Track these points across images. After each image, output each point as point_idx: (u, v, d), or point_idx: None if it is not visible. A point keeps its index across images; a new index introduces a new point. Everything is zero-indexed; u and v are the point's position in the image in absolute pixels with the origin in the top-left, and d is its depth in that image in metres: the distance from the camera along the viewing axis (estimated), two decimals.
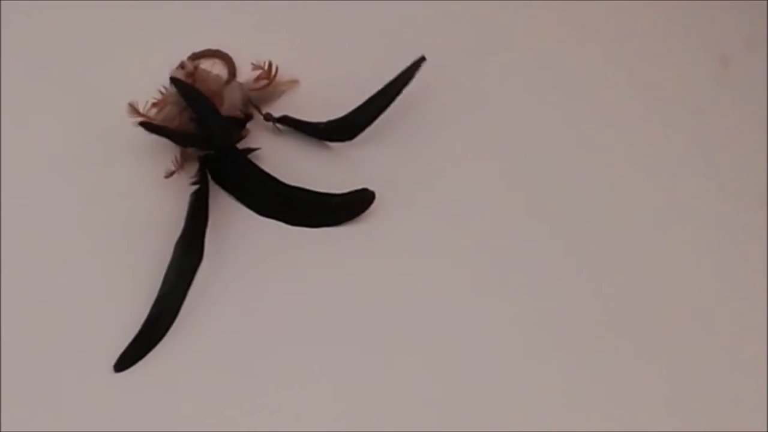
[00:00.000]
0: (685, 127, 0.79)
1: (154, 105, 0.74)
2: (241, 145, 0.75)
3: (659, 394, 0.67)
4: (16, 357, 0.67)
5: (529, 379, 0.67)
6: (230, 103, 0.75)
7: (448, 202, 0.74)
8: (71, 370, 0.67)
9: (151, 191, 0.74)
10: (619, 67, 0.81)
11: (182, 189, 0.73)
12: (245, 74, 0.78)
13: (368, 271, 0.71)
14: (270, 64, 0.77)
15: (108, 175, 0.75)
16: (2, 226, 0.72)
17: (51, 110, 0.78)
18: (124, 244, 0.72)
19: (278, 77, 0.77)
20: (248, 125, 0.76)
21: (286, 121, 0.77)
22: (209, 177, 0.74)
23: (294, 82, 0.79)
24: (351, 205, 0.73)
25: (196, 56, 0.79)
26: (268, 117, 0.77)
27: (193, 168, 0.74)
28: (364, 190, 0.73)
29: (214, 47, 0.80)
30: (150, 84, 0.75)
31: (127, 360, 0.67)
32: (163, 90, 0.75)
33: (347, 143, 0.76)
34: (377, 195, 0.73)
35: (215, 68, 0.78)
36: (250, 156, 0.75)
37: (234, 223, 0.73)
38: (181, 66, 0.76)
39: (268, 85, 0.77)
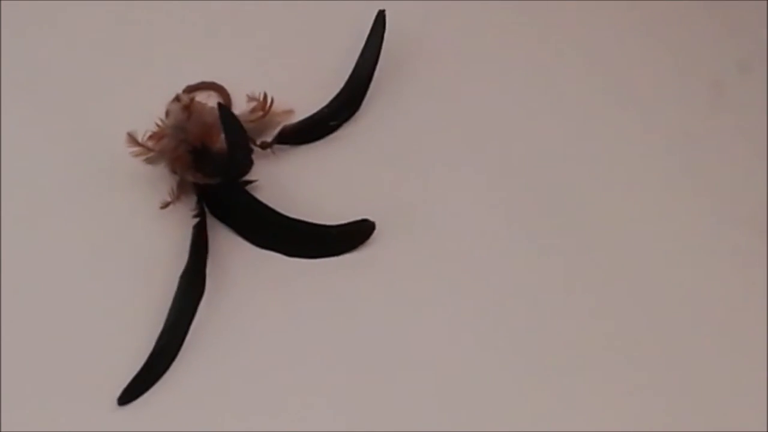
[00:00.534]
0: (678, 151, 0.79)
1: (150, 137, 0.74)
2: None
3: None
4: (21, 390, 0.66)
5: (531, 408, 0.67)
6: None
7: (449, 231, 0.74)
8: (75, 403, 0.66)
9: (148, 222, 0.74)
10: (614, 92, 0.82)
11: (179, 220, 0.73)
12: (241, 106, 0.78)
13: (368, 302, 0.71)
14: (265, 96, 0.77)
15: (104, 206, 0.75)
16: (2, 257, 0.72)
17: (47, 142, 0.78)
18: (122, 276, 0.71)
19: (273, 108, 0.77)
20: None
21: (283, 137, 0.77)
22: (206, 209, 0.74)
23: (289, 113, 0.79)
24: (351, 236, 0.73)
25: (191, 89, 0.79)
26: (264, 145, 0.77)
27: (190, 200, 0.74)
28: (364, 221, 0.73)
29: (209, 80, 0.80)
30: (145, 117, 0.74)
31: (131, 393, 0.67)
32: (160, 123, 0.74)
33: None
34: (377, 225, 0.73)
35: (210, 100, 0.78)
36: (248, 188, 0.75)
37: (232, 255, 0.72)
38: (177, 99, 0.75)
39: (263, 116, 0.77)
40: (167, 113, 0.75)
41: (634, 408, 0.67)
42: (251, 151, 0.75)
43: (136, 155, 0.73)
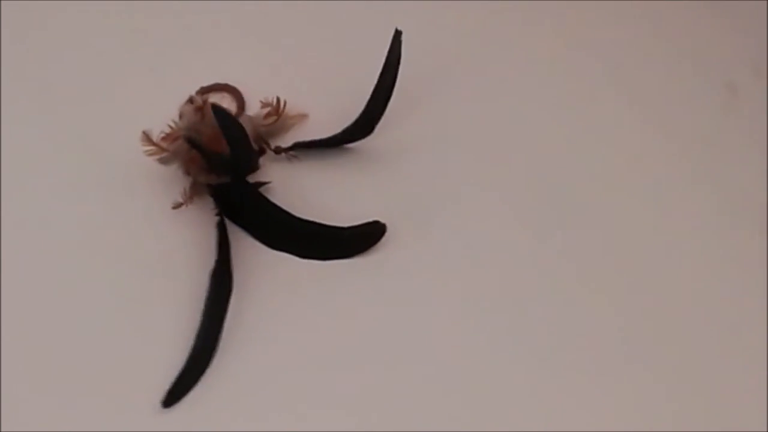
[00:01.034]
0: (692, 154, 0.79)
1: (163, 139, 0.74)
2: (251, 179, 0.75)
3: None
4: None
5: (541, 412, 0.67)
6: None
7: (461, 233, 0.74)
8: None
9: (161, 223, 0.74)
10: (627, 95, 0.82)
11: (191, 221, 0.73)
12: (254, 108, 0.78)
13: (379, 304, 0.71)
14: (278, 100, 0.77)
15: (117, 207, 0.75)
16: (15, 258, 0.72)
17: (61, 143, 0.78)
18: (136, 276, 0.72)
19: (287, 111, 0.77)
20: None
21: (298, 147, 0.77)
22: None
23: (303, 117, 0.79)
24: (363, 238, 0.73)
25: (204, 90, 0.79)
26: (278, 150, 0.77)
27: (203, 201, 0.74)
28: (376, 223, 0.73)
29: (222, 81, 0.80)
30: (159, 118, 0.74)
31: (175, 394, 0.67)
32: (173, 124, 0.74)
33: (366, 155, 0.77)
34: (388, 227, 0.73)
35: (224, 102, 0.78)
36: (261, 189, 0.75)
37: (245, 257, 0.72)
38: (190, 100, 0.75)
39: (277, 120, 0.77)
40: (180, 115, 0.75)
41: (634, 407, 0.67)
42: (251, 147, 0.74)
43: (150, 154, 0.74)
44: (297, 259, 0.73)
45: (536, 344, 0.70)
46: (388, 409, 0.67)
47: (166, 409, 0.66)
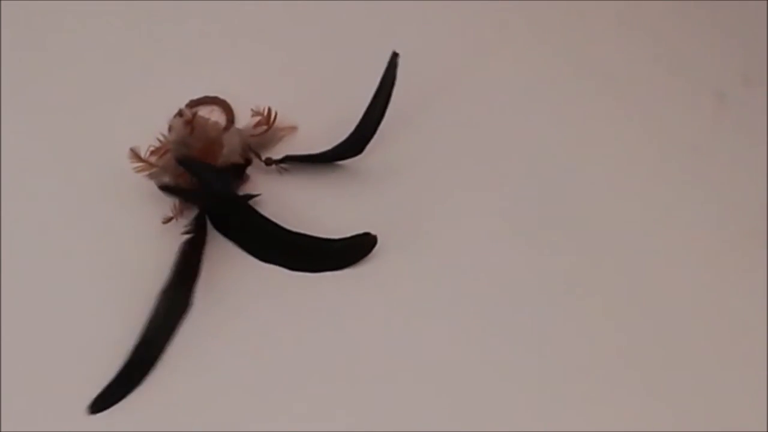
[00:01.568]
0: (682, 163, 0.79)
1: (152, 153, 0.74)
2: (241, 191, 0.75)
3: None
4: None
5: (535, 420, 0.67)
6: (230, 150, 0.76)
7: (451, 245, 0.74)
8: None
9: (148, 237, 0.74)
10: (616, 104, 0.82)
11: (182, 235, 0.73)
12: (244, 120, 0.78)
13: (370, 316, 0.71)
14: (269, 110, 0.77)
15: (106, 221, 0.75)
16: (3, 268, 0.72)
17: (50, 156, 0.78)
18: (122, 290, 0.71)
19: (277, 123, 0.77)
20: (248, 171, 0.76)
21: (289, 159, 0.77)
22: (209, 223, 0.74)
23: (292, 128, 0.79)
24: (353, 250, 0.73)
25: (194, 103, 0.79)
26: (269, 161, 0.77)
27: (192, 215, 0.74)
28: (366, 234, 0.73)
29: (211, 94, 0.80)
30: (148, 132, 0.75)
31: (102, 402, 0.67)
32: (162, 138, 0.75)
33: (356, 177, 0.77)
34: (379, 239, 0.73)
35: (213, 115, 0.78)
36: (251, 202, 0.75)
37: (235, 269, 0.72)
38: (180, 113, 0.75)
39: (267, 131, 0.77)
40: (170, 128, 0.75)
41: (634, 409, 0.67)
42: (218, 171, 0.75)
43: (139, 171, 0.74)
44: (287, 271, 0.73)
45: (528, 358, 0.69)
46: (378, 421, 0.66)
47: (93, 415, 0.66)
